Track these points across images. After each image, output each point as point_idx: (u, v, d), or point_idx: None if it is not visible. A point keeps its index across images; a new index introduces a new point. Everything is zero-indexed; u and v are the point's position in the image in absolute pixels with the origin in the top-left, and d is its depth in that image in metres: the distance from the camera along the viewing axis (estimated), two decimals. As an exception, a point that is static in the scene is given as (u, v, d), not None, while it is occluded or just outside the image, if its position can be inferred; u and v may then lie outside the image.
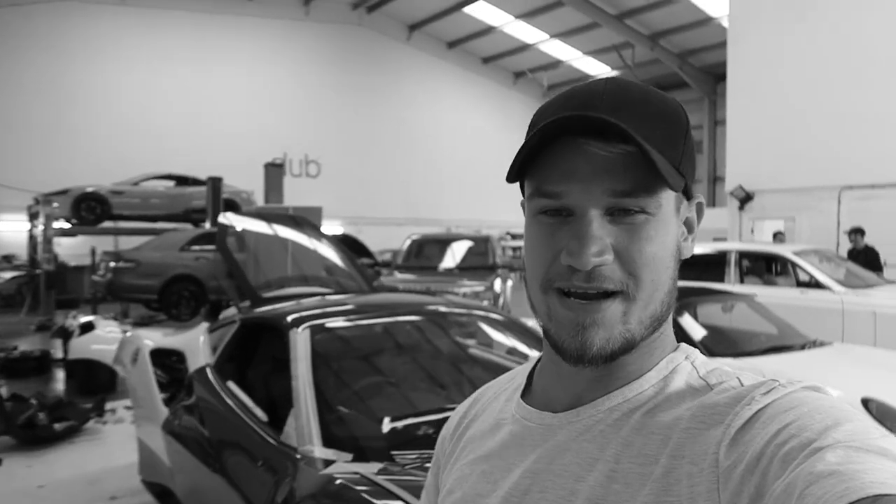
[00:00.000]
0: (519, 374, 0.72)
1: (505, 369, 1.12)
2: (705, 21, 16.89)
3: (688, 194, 0.60)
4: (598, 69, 21.02)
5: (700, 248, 7.05)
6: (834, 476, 0.38)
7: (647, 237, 0.55)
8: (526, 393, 0.67)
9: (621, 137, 0.53)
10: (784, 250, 6.64)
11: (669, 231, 0.57)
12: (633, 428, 0.55)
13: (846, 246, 8.09)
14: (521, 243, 4.45)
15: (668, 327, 0.60)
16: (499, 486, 0.61)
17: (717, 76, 20.39)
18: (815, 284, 6.18)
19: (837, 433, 0.43)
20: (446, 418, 0.79)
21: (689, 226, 0.62)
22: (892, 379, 3.62)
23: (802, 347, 4.05)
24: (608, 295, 0.55)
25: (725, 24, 16.25)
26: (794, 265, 6.44)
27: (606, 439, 0.56)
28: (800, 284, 6.52)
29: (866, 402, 3.15)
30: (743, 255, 7.01)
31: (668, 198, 0.56)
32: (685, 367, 0.59)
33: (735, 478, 0.46)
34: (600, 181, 0.54)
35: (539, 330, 0.64)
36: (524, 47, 20.00)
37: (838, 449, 0.41)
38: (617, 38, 17.88)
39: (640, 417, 0.56)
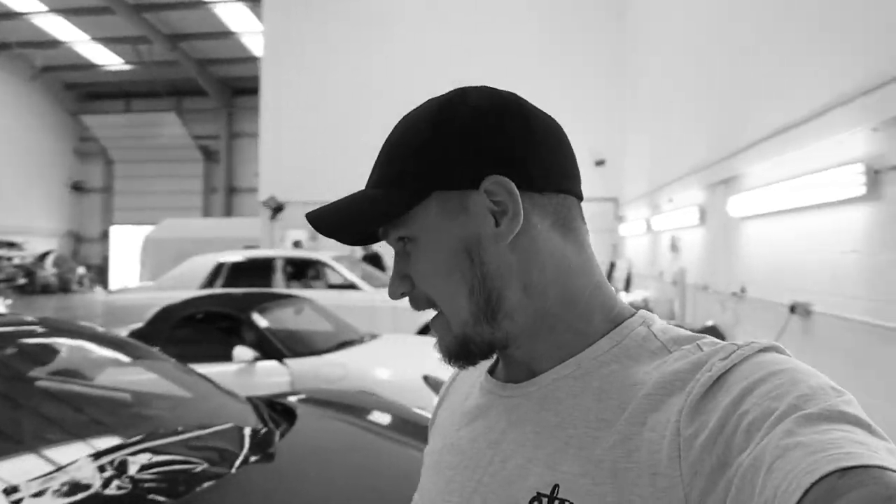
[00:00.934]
0: None
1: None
2: (227, 34, 17.24)
3: (475, 184, 0.58)
4: (109, 58, 19.02)
5: (235, 256, 7.29)
6: (799, 448, 0.39)
7: (416, 259, 0.60)
8: (495, 366, 0.69)
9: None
10: (324, 256, 7.41)
11: (440, 239, 0.58)
12: (589, 393, 0.56)
13: (358, 251, 9.55)
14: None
15: (588, 299, 0.60)
16: (465, 455, 0.62)
17: (234, 89, 21.08)
18: (349, 286, 7.12)
19: (798, 399, 0.43)
20: None
21: (500, 208, 0.58)
22: (435, 357, 4.53)
23: (363, 341, 4.64)
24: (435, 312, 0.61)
25: (245, 40, 17.11)
26: (332, 269, 7.28)
27: (562, 406, 0.57)
28: (332, 287, 7.42)
29: (426, 378, 3.87)
30: (288, 261, 7.52)
31: (426, 210, 0.58)
32: (641, 331, 0.59)
33: (696, 447, 0.46)
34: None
35: None
36: (12, 15, 16.46)
37: (801, 417, 0.41)
38: (133, 31, 16.54)
39: (596, 383, 0.56)
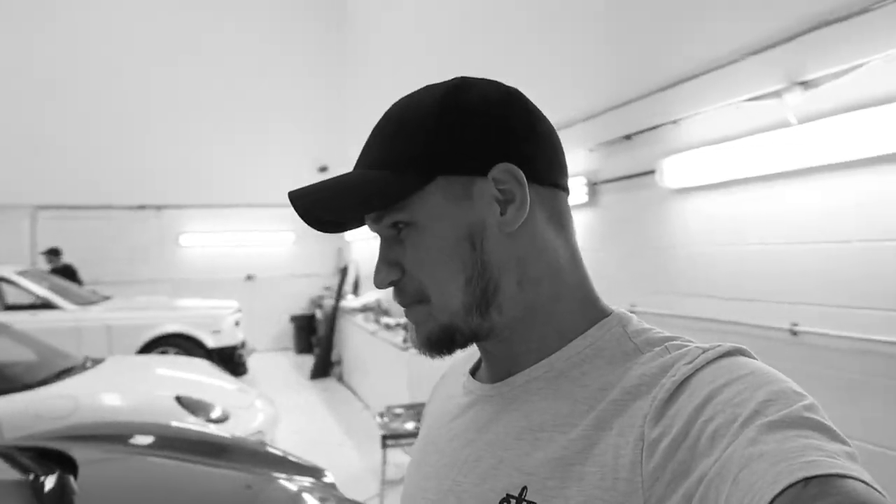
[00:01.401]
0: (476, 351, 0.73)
1: None
2: None
3: (482, 171, 0.57)
4: None
5: None
6: (763, 459, 0.39)
7: (413, 244, 0.57)
8: (477, 366, 0.70)
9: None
10: (6, 272, 6.07)
11: (442, 225, 0.57)
12: (558, 395, 0.56)
13: (43, 265, 8.07)
14: None
15: (572, 296, 0.60)
16: (444, 454, 0.63)
17: None
18: (42, 305, 5.97)
19: (761, 405, 0.43)
20: None
21: (506, 197, 0.57)
22: (178, 375, 4.11)
23: (86, 367, 3.96)
24: (415, 302, 0.59)
25: None
26: (15, 286, 6.01)
27: (533, 407, 0.56)
28: (15, 307, 6.14)
29: (179, 399, 3.48)
30: (-52, 279, 5.96)
31: (429, 195, 0.56)
32: (616, 332, 0.58)
33: (659, 451, 0.45)
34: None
35: None
36: None
37: (763, 424, 0.41)
38: None
39: (566, 384, 0.56)
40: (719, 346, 0.51)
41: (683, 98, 2.53)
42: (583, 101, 3.26)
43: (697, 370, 0.49)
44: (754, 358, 0.50)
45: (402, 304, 0.60)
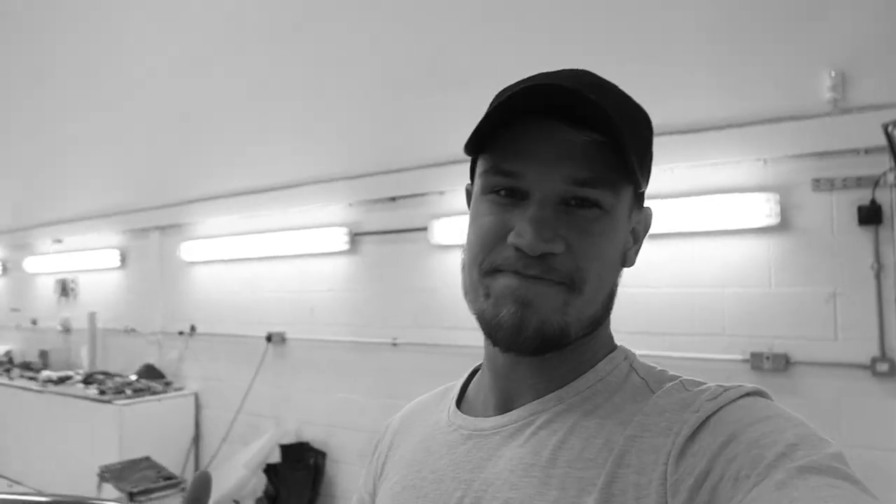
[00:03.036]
0: (453, 387, 0.70)
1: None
2: None
3: (640, 201, 0.59)
4: None
5: None
6: None
7: (601, 232, 0.53)
8: (461, 402, 0.66)
9: (589, 125, 0.51)
10: None
11: (621, 231, 0.56)
12: (569, 430, 0.53)
13: None
14: None
15: (605, 329, 0.60)
16: (428, 499, 0.58)
17: None
18: None
19: (787, 448, 0.42)
20: None
21: (634, 235, 0.59)
22: None
23: None
24: (552, 282, 0.53)
25: None
26: None
27: (541, 442, 0.53)
28: None
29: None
30: None
31: (625, 196, 0.55)
32: (624, 367, 0.58)
33: (683, 491, 0.44)
34: (561, 166, 0.52)
35: None
36: None
37: (793, 469, 0.40)
38: None
39: (577, 419, 0.54)
40: (741, 385, 0.51)
41: (448, 175, 3.30)
42: (346, 161, 3.76)
43: (721, 408, 0.48)
44: (772, 400, 0.50)
45: (539, 275, 0.52)
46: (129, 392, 4.27)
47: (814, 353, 2.41)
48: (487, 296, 0.55)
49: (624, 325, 0.84)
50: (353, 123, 3.80)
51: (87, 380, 4.68)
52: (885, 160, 2.26)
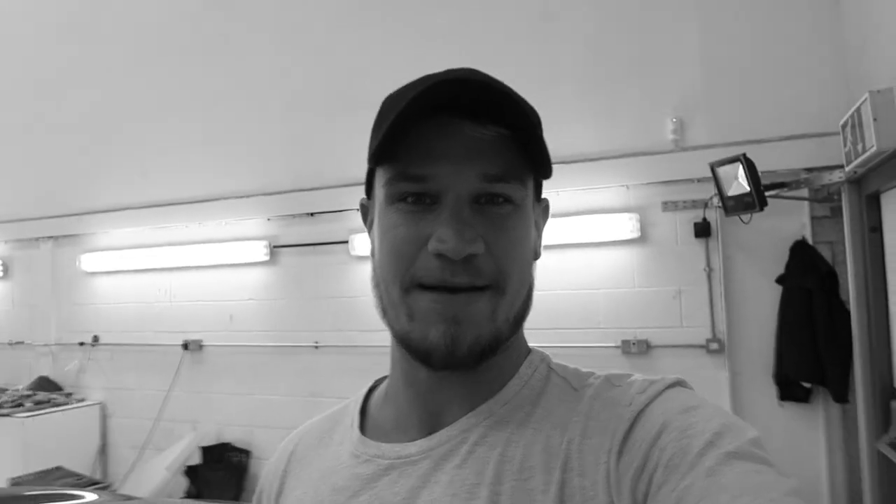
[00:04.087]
0: (345, 412, 0.65)
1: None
2: None
3: (539, 193, 0.59)
4: None
5: None
6: (725, 492, 0.40)
7: (514, 227, 0.53)
8: (363, 428, 0.61)
9: (492, 119, 0.51)
10: None
11: (530, 224, 0.56)
12: (506, 442, 0.52)
13: None
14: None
15: (522, 333, 0.59)
16: None
17: None
18: None
19: (714, 437, 0.45)
20: None
21: (537, 227, 0.60)
22: None
23: None
24: (477, 289, 0.51)
25: None
26: None
27: (482, 460, 0.51)
28: None
29: None
30: None
31: (531, 189, 0.56)
32: (542, 369, 0.58)
33: (624, 487, 0.46)
34: (472, 163, 0.50)
35: None
36: None
37: (720, 455, 0.43)
38: None
39: (512, 429, 0.53)
40: (663, 378, 0.53)
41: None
42: (264, 178, 4.03)
43: (651, 400, 0.50)
44: (692, 389, 0.54)
45: (465, 284, 0.50)
46: (28, 405, 4.19)
47: (666, 338, 3.13)
48: (411, 317, 0.52)
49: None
50: (271, 143, 4.06)
51: (-28, 397, 4.49)
52: (711, 188, 3.01)
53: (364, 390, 0.65)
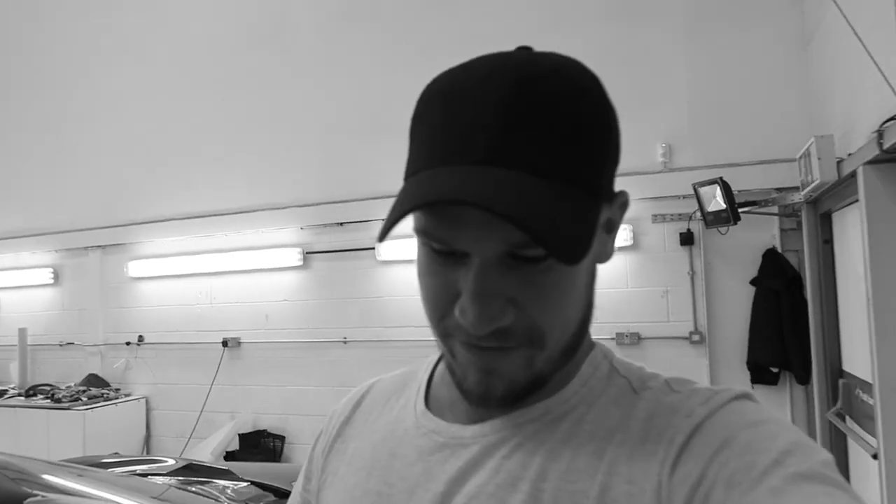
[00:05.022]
0: (415, 377, 0.64)
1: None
2: None
3: (609, 196, 0.51)
4: None
5: None
6: None
7: (554, 284, 0.48)
8: (427, 399, 0.60)
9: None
10: None
11: (578, 271, 0.49)
12: (559, 440, 0.50)
13: None
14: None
15: (587, 337, 0.56)
16: None
17: None
18: None
19: (781, 455, 0.42)
20: None
21: (610, 225, 0.52)
22: None
23: None
24: (510, 347, 0.49)
25: None
26: None
27: (529, 454, 0.50)
28: None
29: None
30: None
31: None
32: (605, 367, 0.55)
33: (677, 499, 0.44)
34: (494, 229, 0.44)
35: None
36: None
37: (788, 475, 0.40)
38: None
39: (566, 427, 0.51)
40: (729, 388, 0.50)
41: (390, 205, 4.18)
42: (301, 191, 4.52)
43: (713, 412, 0.47)
44: (759, 403, 0.50)
45: (498, 346, 0.48)
46: (84, 399, 4.65)
47: (655, 331, 3.61)
48: (452, 355, 0.52)
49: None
50: (306, 160, 4.56)
51: (29, 392, 4.94)
52: (694, 204, 3.49)
53: (434, 358, 0.64)
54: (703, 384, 0.51)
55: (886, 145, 1.92)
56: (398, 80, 4.24)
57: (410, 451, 0.55)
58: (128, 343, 5.05)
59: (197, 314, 4.83)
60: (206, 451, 4.34)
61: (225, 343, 4.65)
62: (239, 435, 4.45)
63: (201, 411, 4.71)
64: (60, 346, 5.35)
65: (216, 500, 2.23)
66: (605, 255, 0.53)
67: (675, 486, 0.44)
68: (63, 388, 4.94)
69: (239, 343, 4.65)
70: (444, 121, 0.46)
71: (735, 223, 3.12)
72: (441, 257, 0.48)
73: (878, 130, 1.98)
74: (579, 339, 0.53)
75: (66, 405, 4.53)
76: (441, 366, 0.61)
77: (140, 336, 5.02)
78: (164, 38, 5.03)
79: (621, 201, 0.53)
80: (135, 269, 5.01)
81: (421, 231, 0.48)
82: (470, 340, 0.48)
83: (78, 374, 5.16)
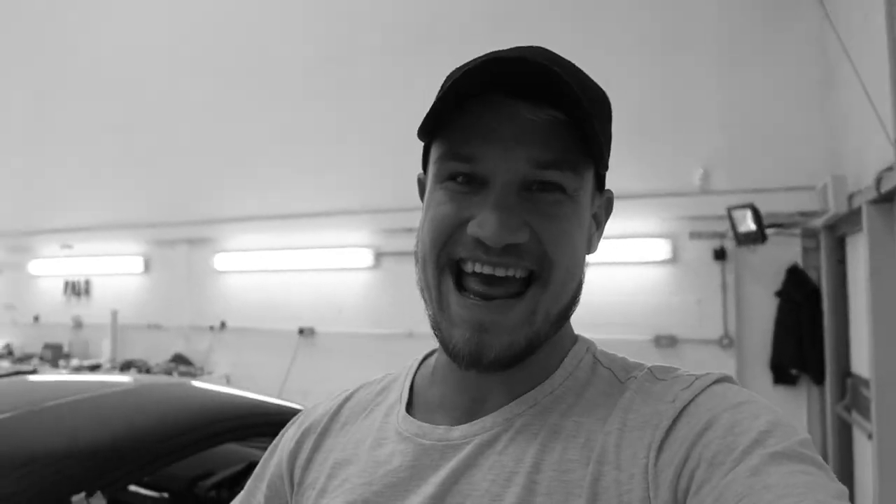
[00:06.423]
0: (395, 384, 0.66)
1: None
2: None
3: (601, 185, 0.56)
4: None
5: None
6: (769, 491, 0.39)
7: (565, 217, 0.51)
8: (409, 405, 0.61)
9: (550, 103, 0.49)
10: None
11: (585, 216, 0.54)
12: (549, 432, 0.52)
13: None
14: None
15: (569, 325, 0.59)
16: None
17: None
18: None
19: (760, 435, 0.44)
20: None
21: (596, 220, 0.58)
22: None
23: None
24: (514, 294, 0.51)
25: None
26: None
27: (521, 448, 0.52)
28: None
29: None
30: None
31: (588, 179, 0.54)
32: (588, 360, 0.57)
33: (664, 483, 0.45)
34: (523, 147, 0.49)
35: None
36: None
37: (766, 455, 0.42)
38: None
39: (556, 420, 0.53)
40: (710, 373, 0.52)
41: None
42: (378, 196, 5.11)
43: (696, 396, 0.49)
44: (739, 385, 0.52)
45: (505, 269, 0.50)
46: (175, 375, 5.28)
47: (689, 334, 4.14)
48: (442, 309, 0.53)
49: (575, 318, 0.71)
50: (380, 170, 5.15)
51: (123, 366, 5.60)
52: (727, 222, 3.99)
53: (415, 364, 0.66)
54: (686, 370, 0.53)
55: (883, 190, 2.42)
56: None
57: (395, 457, 0.55)
58: (211, 327, 5.68)
59: (275, 305, 5.44)
60: (285, 425, 4.94)
61: (301, 331, 5.25)
62: (311, 412, 5.04)
63: (279, 393, 5.32)
64: (148, 327, 6.00)
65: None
66: (593, 245, 0.59)
67: (662, 468, 0.46)
68: (153, 364, 5.59)
69: (313, 332, 5.25)
70: (486, 57, 0.50)
71: (763, 243, 3.62)
72: (457, 187, 0.51)
73: (876, 178, 2.47)
74: (572, 307, 0.55)
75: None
76: (423, 368, 0.63)
77: (223, 321, 5.65)
78: (253, 54, 5.66)
79: (607, 197, 0.58)
80: (220, 262, 5.63)
81: (445, 153, 0.51)
82: (477, 257, 0.49)
83: (165, 354, 5.80)
